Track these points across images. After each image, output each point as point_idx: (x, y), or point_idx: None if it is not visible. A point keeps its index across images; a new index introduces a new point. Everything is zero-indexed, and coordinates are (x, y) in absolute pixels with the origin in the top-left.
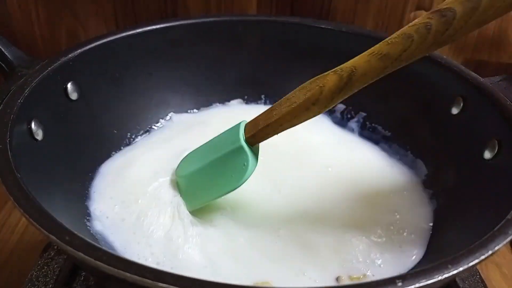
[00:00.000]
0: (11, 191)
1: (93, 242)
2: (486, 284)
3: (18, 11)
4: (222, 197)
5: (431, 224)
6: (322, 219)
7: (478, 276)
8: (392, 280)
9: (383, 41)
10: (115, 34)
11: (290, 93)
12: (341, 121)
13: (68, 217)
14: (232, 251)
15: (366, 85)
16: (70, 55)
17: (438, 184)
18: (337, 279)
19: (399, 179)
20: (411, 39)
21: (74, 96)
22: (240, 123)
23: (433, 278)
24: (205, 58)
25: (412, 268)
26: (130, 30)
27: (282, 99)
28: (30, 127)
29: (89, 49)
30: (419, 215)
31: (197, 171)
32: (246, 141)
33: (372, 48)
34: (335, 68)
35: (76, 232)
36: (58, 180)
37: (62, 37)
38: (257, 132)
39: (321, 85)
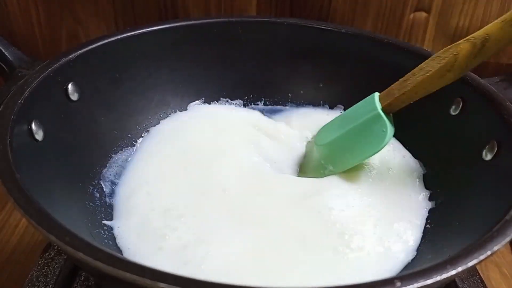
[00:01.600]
0: (11, 192)
1: (93, 242)
2: (485, 284)
3: (19, 12)
4: None
5: (429, 224)
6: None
7: (477, 276)
8: (390, 281)
9: None
10: (115, 35)
11: (423, 63)
12: None
13: (68, 217)
14: None
15: (498, 51)
16: (70, 56)
17: (436, 185)
18: None
19: (397, 179)
20: None
21: (74, 96)
22: (373, 94)
23: (432, 278)
24: (205, 59)
25: (407, 268)
26: (130, 31)
27: (414, 69)
28: (31, 128)
29: (89, 50)
30: (417, 215)
31: (338, 138)
32: (382, 109)
33: (504, 15)
34: (467, 37)
35: (76, 233)
36: (58, 181)
37: (62, 38)
38: (393, 101)
39: (455, 53)
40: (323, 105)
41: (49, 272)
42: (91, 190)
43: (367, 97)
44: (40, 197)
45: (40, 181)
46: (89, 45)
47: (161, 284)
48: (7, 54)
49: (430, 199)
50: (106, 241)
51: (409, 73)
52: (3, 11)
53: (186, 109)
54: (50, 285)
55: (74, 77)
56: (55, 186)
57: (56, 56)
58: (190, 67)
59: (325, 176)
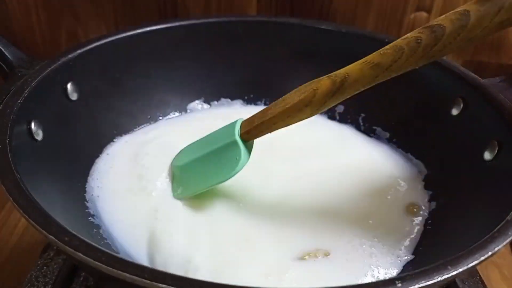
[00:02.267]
0: (10, 192)
1: (92, 243)
2: (486, 285)
3: (18, 12)
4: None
5: (430, 224)
6: (317, 217)
7: (478, 277)
8: (391, 281)
9: (376, 51)
10: (115, 34)
11: (286, 95)
12: (341, 122)
13: (68, 217)
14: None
15: (357, 92)
16: (70, 56)
17: (437, 185)
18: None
19: (398, 179)
20: (401, 51)
21: (74, 96)
22: (237, 120)
23: (433, 279)
24: (204, 59)
25: (408, 268)
26: (130, 31)
27: (278, 99)
28: (30, 128)
29: (89, 49)
30: (417, 215)
31: (193, 161)
32: (241, 136)
33: (366, 57)
34: (330, 74)
35: (75, 233)
36: (58, 181)
37: (62, 38)
38: (252, 129)
39: (314, 88)
40: None
41: (48, 272)
42: (88, 190)
43: (231, 122)
44: (39, 197)
45: (39, 181)
46: (89, 45)
47: (160, 285)
48: (6, 54)
49: (431, 199)
50: (105, 241)
51: (273, 103)
52: (3, 10)
53: (186, 112)
54: (49, 285)
55: (74, 77)
56: (54, 185)
57: (55, 56)
58: (190, 67)
59: (178, 198)
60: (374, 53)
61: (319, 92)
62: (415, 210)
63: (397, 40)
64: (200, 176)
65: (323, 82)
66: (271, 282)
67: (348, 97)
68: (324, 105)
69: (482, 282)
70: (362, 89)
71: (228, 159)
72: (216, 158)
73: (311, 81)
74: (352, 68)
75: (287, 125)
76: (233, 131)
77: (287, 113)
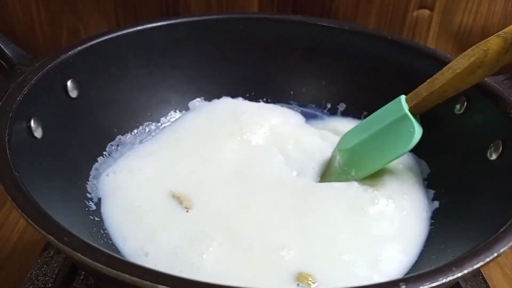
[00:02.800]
0: (8, 191)
1: (91, 243)
2: (489, 285)
3: (19, 9)
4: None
5: (434, 224)
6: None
7: (481, 277)
8: (395, 283)
9: None
10: (116, 31)
11: (451, 62)
12: (342, 115)
13: (68, 216)
14: None
15: None
16: (70, 53)
17: (441, 184)
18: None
19: (401, 178)
20: None
21: (74, 94)
22: (399, 97)
23: (437, 281)
24: (206, 56)
25: (412, 269)
26: (130, 28)
27: (443, 69)
28: (30, 125)
29: (89, 46)
30: (421, 214)
31: (362, 142)
32: (410, 110)
33: None
34: (498, 33)
35: (74, 233)
36: (58, 179)
37: (63, 34)
38: (421, 101)
39: (485, 48)
40: (326, 103)
41: (49, 270)
42: (89, 188)
43: (393, 100)
44: (39, 196)
45: (38, 179)
46: (89, 42)
47: (160, 286)
48: (6, 51)
49: (434, 199)
50: (105, 239)
51: (437, 73)
52: (3, 7)
53: (187, 110)
54: (50, 284)
55: (74, 74)
56: (54, 184)
57: (55, 53)
58: (191, 64)
59: (351, 181)
60: None
61: (490, 51)
62: None
63: None
64: (373, 154)
65: (493, 41)
66: None
67: None
68: (497, 64)
69: (485, 281)
70: None
71: (400, 133)
72: (387, 134)
73: (477, 44)
74: None
75: (458, 92)
76: (400, 105)
77: (458, 78)
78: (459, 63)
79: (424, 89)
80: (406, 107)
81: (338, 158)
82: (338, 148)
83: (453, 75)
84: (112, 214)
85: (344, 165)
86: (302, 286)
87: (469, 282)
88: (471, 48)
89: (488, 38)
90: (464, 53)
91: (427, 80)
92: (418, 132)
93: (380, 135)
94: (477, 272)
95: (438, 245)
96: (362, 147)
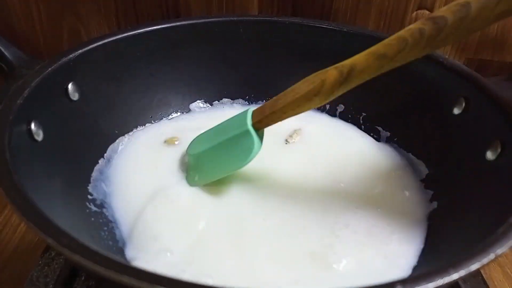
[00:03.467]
0: (8, 193)
1: (90, 245)
2: (488, 285)
3: (20, 11)
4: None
5: (432, 225)
6: (315, 215)
7: (480, 277)
8: (392, 284)
9: (380, 42)
10: (116, 34)
11: (295, 85)
12: (340, 118)
13: (68, 218)
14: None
15: (363, 81)
16: (70, 56)
17: (439, 185)
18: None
19: (400, 179)
20: (405, 42)
21: (75, 96)
22: (248, 109)
23: (434, 282)
24: (206, 58)
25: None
26: (131, 30)
27: (287, 89)
28: (30, 128)
29: (90, 49)
30: (419, 215)
31: (207, 150)
32: (253, 126)
33: (370, 48)
34: (336, 65)
35: (75, 235)
36: (59, 181)
37: (63, 37)
38: (263, 118)
39: (323, 78)
40: (325, 105)
41: (50, 272)
42: (90, 190)
43: (242, 112)
44: (39, 198)
45: (39, 182)
46: (90, 45)
47: (158, 287)
48: (7, 54)
49: (432, 199)
50: (106, 241)
51: (282, 93)
52: (4, 9)
53: (188, 112)
54: (51, 285)
55: (75, 76)
56: (54, 186)
57: (56, 56)
58: (191, 66)
59: (194, 186)
60: (378, 44)
61: (327, 82)
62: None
63: (401, 32)
64: (215, 164)
65: (331, 73)
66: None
67: (354, 86)
68: (332, 95)
69: (485, 282)
70: (368, 79)
71: (241, 147)
72: (230, 147)
73: (318, 72)
74: (358, 59)
75: (296, 114)
76: (245, 120)
77: (297, 102)
78: (300, 88)
79: (267, 108)
80: (250, 122)
81: (187, 160)
82: (187, 151)
83: (293, 100)
84: (114, 216)
85: (190, 169)
86: None
87: (468, 283)
88: (313, 74)
89: (328, 68)
90: (307, 77)
91: (273, 98)
92: (257, 147)
93: (224, 146)
94: (477, 273)
95: (436, 246)
96: (206, 155)
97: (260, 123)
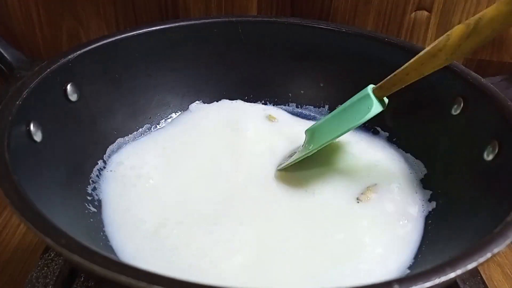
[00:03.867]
0: (7, 194)
1: (88, 245)
2: (487, 285)
3: (19, 13)
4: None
5: (430, 225)
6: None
7: (479, 277)
8: (389, 283)
9: None
10: (115, 35)
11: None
12: None
13: (67, 219)
14: None
15: (494, 33)
16: (69, 57)
17: (438, 185)
18: None
19: (398, 179)
20: None
21: (73, 97)
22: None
23: (431, 281)
24: (205, 59)
25: (408, 270)
26: (130, 31)
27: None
28: (29, 129)
29: (89, 50)
30: (417, 215)
31: (326, 120)
32: (374, 92)
33: None
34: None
35: (74, 235)
36: (58, 182)
37: (63, 38)
38: (384, 83)
39: (448, 33)
40: (323, 105)
41: (49, 272)
42: (90, 191)
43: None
44: (38, 199)
45: (38, 183)
46: (88, 46)
47: (155, 287)
48: (6, 55)
49: (431, 199)
50: (104, 242)
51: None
52: (4, 10)
53: (188, 112)
54: (50, 286)
55: (73, 77)
56: (53, 187)
57: (55, 57)
58: (190, 67)
59: (303, 156)
60: None
61: (453, 35)
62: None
63: None
64: (332, 127)
65: (457, 27)
66: None
67: (484, 39)
68: (459, 49)
69: (483, 282)
70: (499, 29)
71: (359, 109)
72: (348, 111)
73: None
74: (486, 11)
75: (420, 76)
76: (365, 90)
77: (420, 60)
78: (424, 49)
79: (389, 74)
80: (370, 89)
81: (304, 139)
82: (305, 131)
83: (416, 58)
84: (112, 217)
85: (306, 142)
86: None
87: (467, 283)
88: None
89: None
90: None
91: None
92: (375, 107)
93: (342, 112)
94: (476, 273)
95: (435, 246)
96: (325, 124)
97: (381, 89)
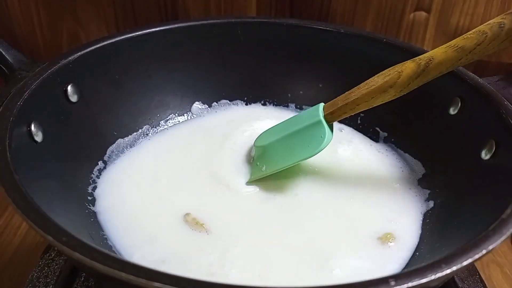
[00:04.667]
0: (9, 193)
1: (89, 243)
2: (485, 284)
3: (20, 14)
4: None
5: (428, 223)
6: (314, 215)
7: (477, 276)
8: (385, 280)
9: (460, 36)
10: (115, 36)
11: (369, 79)
12: (339, 122)
13: (68, 218)
14: None
15: (440, 74)
16: (70, 58)
17: (436, 184)
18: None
19: (396, 179)
20: (485, 35)
21: (74, 98)
22: (319, 104)
23: (426, 277)
24: (204, 60)
25: (406, 268)
26: (130, 33)
27: (361, 84)
28: (30, 129)
29: (89, 51)
30: (415, 214)
31: (277, 140)
32: (325, 117)
33: (449, 42)
34: (414, 58)
35: (74, 234)
36: (58, 182)
37: (63, 40)
38: (335, 110)
39: (399, 70)
40: None
41: (50, 272)
42: (90, 191)
43: (312, 107)
44: (39, 198)
45: (39, 182)
46: (89, 47)
47: (156, 284)
48: (7, 56)
49: (429, 198)
50: (104, 241)
51: (355, 87)
52: (4, 12)
53: (186, 113)
54: (51, 286)
55: (74, 78)
56: (54, 187)
57: (55, 58)
58: (189, 68)
59: (260, 177)
60: (457, 38)
61: (403, 74)
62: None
63: (480, 26)
64: (285, 153)
65: (408, 65)
66: None
67: (431, 79)
68: (408, 87)
69: (482, 281)
70: (445, 72)
71: (312, 137)
72: (301, 137)
73: (394, 66)
74: (436, 52)
75: (369, 107)
76: (317, 112)
77: (371, 94)
78: (375, 81)
79: (340, 100)
80: (322, 114)
81: (253, 153)
82: (255, 144)
83: (367, 91)
84: (111, 217)
85: (257, 160)
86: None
87: (465, 282)
88: (389, 68)
89: (405, 62)
90: (382, 72)
91: (345, 93)
92: (328, 138)
93: (294, 136)
94: (474, 272)
95: (433, 244)
96: (276, 145)
97: (332, 115)
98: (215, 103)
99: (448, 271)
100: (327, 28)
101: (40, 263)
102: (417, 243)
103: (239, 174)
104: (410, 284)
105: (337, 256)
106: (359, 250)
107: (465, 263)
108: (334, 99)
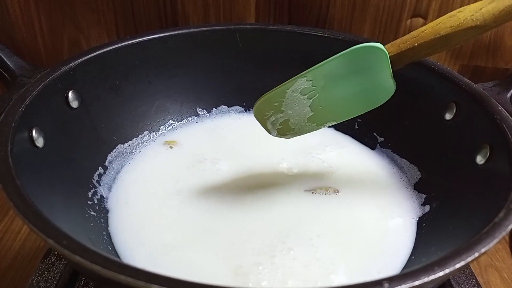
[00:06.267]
0: (11, 197)
1: (89, 246)
2: None
3: (21, 21)
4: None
5: (424, 228)
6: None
7: (474, 280)
8: (378, 282)
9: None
10: (115, 43)
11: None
12: (335, 127)
13: (68, 222)
14: None
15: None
16: (71, 64)
17: (431, 189)
18: None
19: (393, 183)
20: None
21: (75, 104)
22: (368, 44)
23: (420, 280)
24: (204, 66)
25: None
26: (130, 39)
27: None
28: (31, 135)
29: (90, 58)
30: (411, 218)
31: (337, 76)
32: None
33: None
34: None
35: (75, 238)
36: (58, 187)
37: (64, 46)
38: (403, 52)
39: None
40: None
41: (50, 277)
42: (90, 196)
43: (356, 46)
44: (40, 203)
45: (40, 187)
46: (89, 54)
47: (155, 286)
48: (9, 63)
49: (425, 203)
50: (105, 245)
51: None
52: (6, 19)
53: (186, 119)
54: None
55: (75, 85)
56: (55, 192)
57: (57, 65)
58: (189, 74)
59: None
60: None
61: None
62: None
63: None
64: (343, 97)
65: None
66: None
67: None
68: (479, 11)
69: (478, 284)
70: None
71: (374, 82)
72: (361, 78)
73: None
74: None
75: (436, 34)
76: (381, 52)
77: (438, 20)
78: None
79: (409, 39)
80: (388, 58)
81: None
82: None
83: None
84: (111, 221)
85: (308, 83)
86: None
87: (462, 285)
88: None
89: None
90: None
91: (405, 36)
92: (392, 88)
93: (353, 76)
94: (471, 275)
95: (428, 248)
96: (332, 86)
97: (399, 57)
98: (214, 108)
99: (441, 273)
100: (325, 35)
101: (40, 267)
102: (412, 247)
103: None
104: (403, 286)
105: (334, 261)
106: (355, 253)
107: (458, 265)
108: (393, 41)
